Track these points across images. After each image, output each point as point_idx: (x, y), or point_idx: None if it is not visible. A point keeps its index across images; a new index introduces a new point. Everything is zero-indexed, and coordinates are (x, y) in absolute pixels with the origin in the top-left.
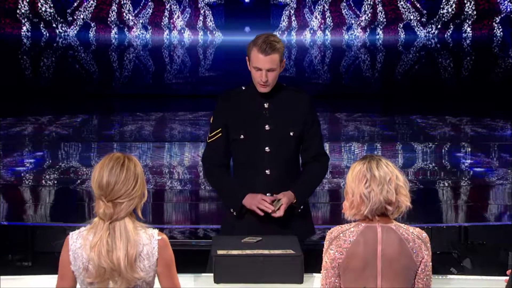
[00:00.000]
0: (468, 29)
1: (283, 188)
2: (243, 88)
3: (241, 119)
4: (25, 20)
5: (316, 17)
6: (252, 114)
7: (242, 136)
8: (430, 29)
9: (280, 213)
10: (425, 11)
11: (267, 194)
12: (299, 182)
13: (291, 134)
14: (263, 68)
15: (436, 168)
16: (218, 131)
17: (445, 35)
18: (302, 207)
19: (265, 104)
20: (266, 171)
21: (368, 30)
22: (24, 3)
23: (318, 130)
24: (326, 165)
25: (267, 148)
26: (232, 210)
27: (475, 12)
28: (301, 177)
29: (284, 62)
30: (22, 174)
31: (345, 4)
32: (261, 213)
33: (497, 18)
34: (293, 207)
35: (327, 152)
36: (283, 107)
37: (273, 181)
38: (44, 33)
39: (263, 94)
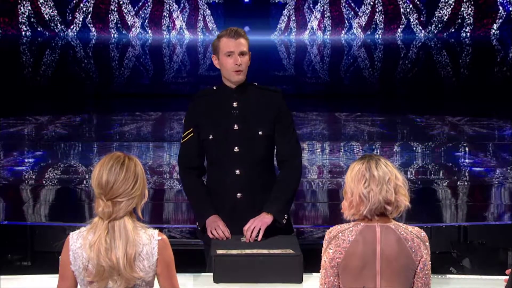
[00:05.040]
0: (468, 28)
1: (254, 188)
2: (214, 88)
3: (210, 119)
4: (25, 20)
5: (315, 17)
6: (221, 113)
7: (211, 136)
8: (429, 29)
9: (259, 238)
10: (424, 11)
11: (238, 195)
12: (274, 201)
13: (260, 133)
14: (236, 51)
15: (435, 167)
16: (189, 131)
17: (445, 35)
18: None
19: (234, 104)
20: (236, 171)
21: (367, 29)
22: (24, 3)
23: (290, 130)
24: (299, 169)
25: (236, 148)
26: (197, 224)
27: (474, 12)
28: (274, 193)
29: (250, 55)
30: (22, 174)
31: (344, 3)
32: (212, 237)
33: (496, 18)
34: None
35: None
36: (252, 106)
37: (243, 181)
38: (44, 33)
39: (232, 93)
